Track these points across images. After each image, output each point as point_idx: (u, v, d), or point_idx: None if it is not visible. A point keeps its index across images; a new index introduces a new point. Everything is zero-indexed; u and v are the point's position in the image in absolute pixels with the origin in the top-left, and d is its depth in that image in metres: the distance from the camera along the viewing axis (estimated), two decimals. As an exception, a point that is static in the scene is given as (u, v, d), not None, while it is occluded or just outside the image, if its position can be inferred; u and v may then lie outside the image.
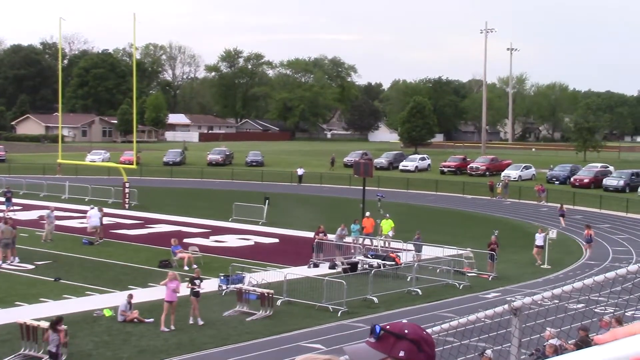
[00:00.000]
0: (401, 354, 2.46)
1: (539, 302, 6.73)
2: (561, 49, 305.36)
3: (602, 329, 19.63)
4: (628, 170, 75.52)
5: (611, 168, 78.67)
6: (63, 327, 21.47)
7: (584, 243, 41.89)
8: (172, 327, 24.88)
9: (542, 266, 37.43)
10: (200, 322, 25.61)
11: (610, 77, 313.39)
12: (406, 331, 2.50)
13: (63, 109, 69.96)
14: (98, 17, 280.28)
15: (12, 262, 34.07)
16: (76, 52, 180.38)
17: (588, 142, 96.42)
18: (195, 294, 26.00)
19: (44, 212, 43.46)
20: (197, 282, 26.52)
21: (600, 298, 29.93)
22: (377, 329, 2.49)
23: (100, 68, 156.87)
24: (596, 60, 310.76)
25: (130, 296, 26.09)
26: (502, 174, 78.86)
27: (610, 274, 8.30)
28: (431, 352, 2.53)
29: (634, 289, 29.41)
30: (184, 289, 26.29)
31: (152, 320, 25.68)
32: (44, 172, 74.87)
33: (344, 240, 38.87)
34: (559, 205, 53.67)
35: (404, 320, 2.99)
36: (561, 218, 50.66)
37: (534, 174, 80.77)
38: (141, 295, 28.30)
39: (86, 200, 57.09)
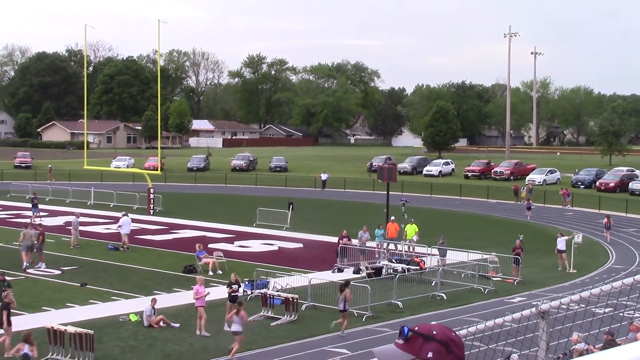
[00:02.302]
0: (429, 355, 2.46)
1: (567, 305, 6.70)
2: (585, 52, 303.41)
3: (631, 333, 19.49)
4: (654, 174, 74.91)
5: (637, 172, 78.00)
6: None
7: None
8: (204, 333, 24.88)
9: (568, 270, 37.19)
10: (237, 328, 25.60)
11: (636, 80, 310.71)
12: (434, 332, 2.51)
13: (88, 115, 70.47)
14: (123, 24, 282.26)
15: (39, 267, 34.34)
16: (101, 59, 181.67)
17: (613, 146, 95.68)
18: (233, 299, 25.95)
19: (70, 218, 43.77)
20: (234, 287, 26.52)
21: (628, 302, 29.73)
22: (406, 330, 2.50)
23: (125, 75, 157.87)
24: (621, 64, 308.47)
25: (154, 300, 26.19)
26: (527, 178, 78.45)
27: (638, 277, 8.25)
28: (460, 354, 2.54)
29: (662, 293, 29.01)
30: (223, 294, 26.29)
31: (178, 325, 25.78)
32: (70, 178, 75.42)
33: (367, 244, 38.82)
34: (605, 217, 49.59)
35: (433, 322, 3.00)
36: (607, 230, 47.42)
37: (558, 178, 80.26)
38: (166, 300, 28.42)
39: (111, 206, 57.46)
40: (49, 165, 65.45)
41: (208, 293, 25.94)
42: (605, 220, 48.03)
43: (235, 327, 22.72)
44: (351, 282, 27.57)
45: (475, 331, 7.21)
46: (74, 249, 39.31)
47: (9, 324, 22.78)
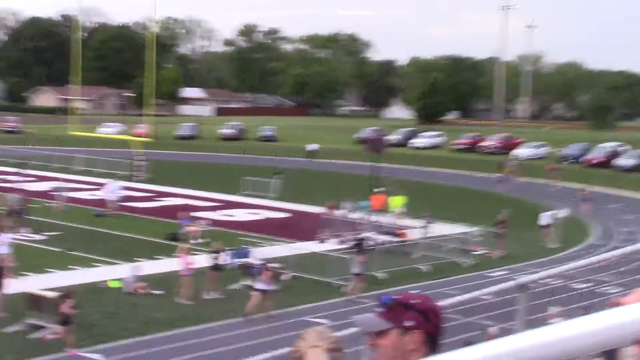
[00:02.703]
0: (409, 323, 2.51)
1: (545, 279, 6.73)
2: (579, 27, 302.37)
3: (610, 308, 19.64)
4: (640, 150, 74.97)
5: (626, 147, 77.94)
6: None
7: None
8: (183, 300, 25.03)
9: (550, 246, 37.38)
10: (216, 296, 25.76)
11: (627, 56, 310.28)
12: (414, 301, 2.56)
13: (78, 81, 70.18)
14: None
15: (22, 232, 34.29)
16: (95, 25, 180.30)
17: (603, 122, 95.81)
18: (215, 267, 26.07)
19: (56, 184, 43.69)
20: (217, 255, 26.59)
21: (605, 278, 29.94)
22: (386, 299, 2.55)
23: (118, 41, 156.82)
24: (615, 39, 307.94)
25: (137, 268, 26.24)
26: (512, 152, 78.43)
27: (617, 252, 8.33)
28: (438, 323, 2.59)
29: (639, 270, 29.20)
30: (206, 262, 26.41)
31: (162, 292, 25.85)
32: (58, 143, 75.10)
33: (351, 215, 38.88)
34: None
35: (413, 292, 3.05)
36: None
37: (547, 153, 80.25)
38: (148, 267, 28.46)
39: (96, 172, 57.26)
40: (31, 131, 65.29)
41: (194, 262, 26.03)
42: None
43: (261, 286, 23.73)
44: (363, 246, 28.57)
45: (455, 303, 7.27)
46: (59, 215, 39.27)
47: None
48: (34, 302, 22.15)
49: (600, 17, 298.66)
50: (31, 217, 35.82)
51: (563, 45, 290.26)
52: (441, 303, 6.93)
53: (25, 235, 33.95)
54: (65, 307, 20.19)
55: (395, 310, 2.52)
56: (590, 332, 1.44)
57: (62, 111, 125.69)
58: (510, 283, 6.64)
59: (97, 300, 24.81)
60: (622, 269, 30.41)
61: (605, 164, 71.55)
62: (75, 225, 36.92)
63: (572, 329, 1.46)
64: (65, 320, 20.14)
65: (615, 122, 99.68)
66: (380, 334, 2.52)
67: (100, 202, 42.34)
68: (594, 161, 72.63)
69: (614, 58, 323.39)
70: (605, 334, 1.43)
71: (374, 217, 40.83)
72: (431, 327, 2.54)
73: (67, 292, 21.31)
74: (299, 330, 3.02)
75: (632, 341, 1.43)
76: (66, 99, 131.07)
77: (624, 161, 70.88)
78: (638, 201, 54.30)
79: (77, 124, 67.13)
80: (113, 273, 27.35)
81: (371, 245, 33.07)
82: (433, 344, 2.54)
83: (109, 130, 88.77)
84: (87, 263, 29.20)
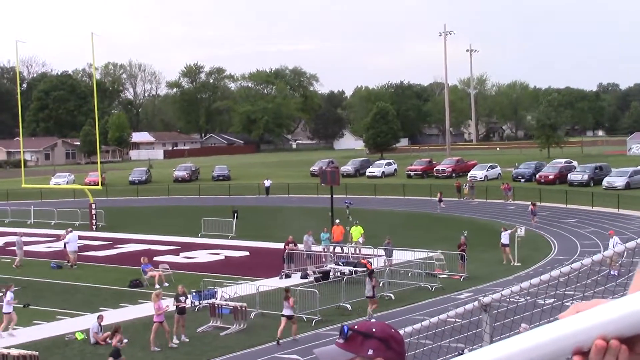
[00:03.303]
0: (369, 352, 2.47)
1: (509, 297, 6.77)
2: (519, 48, 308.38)
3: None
4: (591, 164, 76.36)
5: (575, 163, 79.48)
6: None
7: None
8: (155, 348, 24.60)
9: (512, 264, 37.68)
10: (185, 339, 25.43)
11: (569, 73, 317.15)
12: (374, 329, 2.52)
13: (24, 133, 69.36)
14: (55, 39, 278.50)
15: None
16: (35, 75, 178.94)
17: (551, 139, 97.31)
18: (181, 311, 25.78)
19: (10, 239, 42.95)
20: (182, 298, 26.30)
21: (569, 292, 30.22)
22: (345, 329, 2.51)
23: (60, 90, 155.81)
24: (555, 58, 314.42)
25: (101, 317, 25.82)
26: (468, 174, 79.34)
27: (576, 265, 8.37)
28: (399, 350, 2.55)
29: (603, 280, 29.66)
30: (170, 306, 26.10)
31: (126, 340, 25.44)
32: (7, 197, 74.01)
33: (313, 248, 38.84)
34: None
35: (373, 320, 3.00)
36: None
37: (499, 173, 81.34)
38: (113, 316, 28.03)
39: (52, 224, 56.52)
40: None
41: (167, 307, 25.66)
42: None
43: (287, 312, 25.23)
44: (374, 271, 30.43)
45: (421, 328, 7.24)
46: (16, 269, 38.56)
47: None
48: (-1, 360, 21.67)
49: (537, 38, 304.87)
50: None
51: (504, 66, 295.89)
52: (408, 329, 6.92)
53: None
54: (115, 341, 22.81)
55: (355, 339, 2.48)
56: (532, 346, 1.50)
57: (10, 164, 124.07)
58: (474, 304, 6.66)
59: (62, 354, 24.36)
60: (586, 282, 30.73)
61: (558, 179, 72.65)
62: (34, 279, 36.27)
63: (515, 344, 1.51)
64: (117, 354, 21.92)
65: (562, 139, 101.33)
66: None
67: (58, 254, 41.72)
68: (549, 177, 73.72)
69: (554, 76, 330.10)
70: (546, 347, 1.49)
71: (337, 249, 40.86)
72: (393, 355, 2.51)
73: (116, 327, 23.73)
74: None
75: (572, 352, 1.48)
76: (14, 152, 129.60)
77: (576, 176, 72.08)
78: (592, 214, 55.10)
79: (29, 177, 66.23)
80: (79, 325, 26.85)
81: (337, 276, 33.06)
82: None
83: (60, 180, 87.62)
84: (51, 317, 28.64)
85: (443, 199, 61.24)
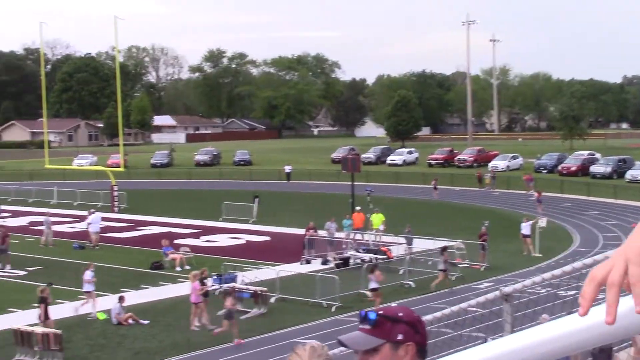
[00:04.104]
0: (399, 337, 2.49)
1: (530, 288, 6.79)
2: (542, 39, 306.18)
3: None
4: (614, 156, 75.83)
5: (598, 155, 78.96)
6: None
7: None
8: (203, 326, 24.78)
9: (533, 255, 37.55)
10: (205, 322, 25.57)
11: (593, 65, 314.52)
12: (400, 314, 2.55)
13: (48, 114, 69.72)
14: (80, 21, 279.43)
15: (3, 269, 33.93)
16: (59, 57, 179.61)
17: (574, 130, 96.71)
18: (205, 294, 25.88)
19: (33, 218, 43.26)
20: (206, 282, 26.40)
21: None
22: (373, 315, 2.52)
23: (84, 72, 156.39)
24: (579, 49, 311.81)
25: (122, 299, 26.01)
26: (490, 164, 79.05)
27: (599, 257, 8.36)
28: (425, 333, 2.60)
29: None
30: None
31: (147, 322, 25.64)
32: (31, 178, 74.56)
33: (335, 235, 38.89)
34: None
35: (394, 304, 3.05)
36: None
37: (521, 164, 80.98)
38: (134, 297, 28.24)
39: (75, 204, 56.89)
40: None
41: (204, 287, 25.75)
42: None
43: (373, 285, 26.58)
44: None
45: (442, 316, 7.27)
46: (42, 249, 38.92)
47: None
48: (22, 338, 21.89)
49: (561, 29, 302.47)
50: (11, 253, 35.47)
51: (527, 57, 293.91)
52: (429, 317, 6.96)
53: (7, 272, 33.64)
54: (229, 303, 23.48)
55: (382, 325, 2.50)
56: (556, 337, 1.47)
57: (34, 145, 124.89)
58: (495, 293, 6.68)
59: (85, 333, 24.59)
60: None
61: (581, 171, 72.25)
62: (56, 258, 36.59)
63: (541, 333, 1.48)
64: (230, 315, 23.12)
65: (585, 130, 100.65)
66: (371, 351, 2.48)
67: (80, 234, 42.02)
68: (572, 169, 73.35)
69: (578, 68, 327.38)
70: (571, 337, 1.45)
71: (357, 236, 40.87)
72: (420, 338, 2.54)
73: (228, 290, 25.55)
74: (289, 353, 3.00)
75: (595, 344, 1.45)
76: (37, 133, 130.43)
77: (599, 168, 71.64)
78: (615, 207, 54.78)
79: (53, 157, 66.66)
80: (100, 305, 27.06)
81: (357, 263, 33.12)
82: (423, 354, 2.55)
83: (83, 162, 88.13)
84: (73, 296, 28.88)
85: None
